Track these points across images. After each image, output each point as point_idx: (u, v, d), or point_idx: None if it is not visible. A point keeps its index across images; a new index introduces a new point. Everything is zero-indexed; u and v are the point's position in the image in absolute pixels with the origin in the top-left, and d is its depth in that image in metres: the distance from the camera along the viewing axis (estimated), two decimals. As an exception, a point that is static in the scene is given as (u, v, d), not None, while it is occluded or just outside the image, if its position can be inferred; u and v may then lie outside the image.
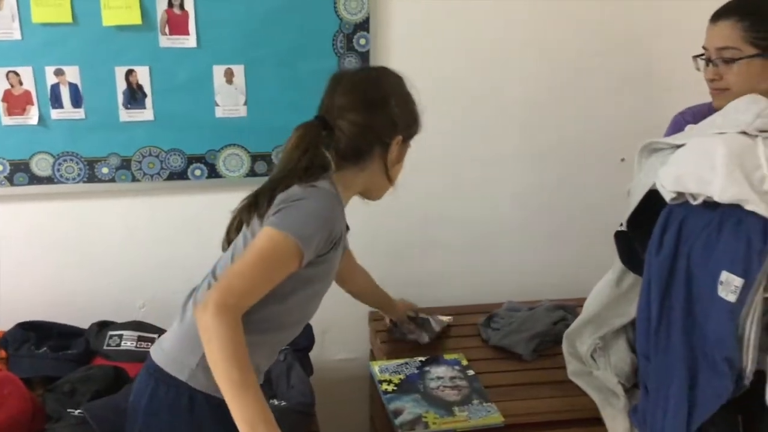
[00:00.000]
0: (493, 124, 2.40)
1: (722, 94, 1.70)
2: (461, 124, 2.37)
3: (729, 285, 1.43)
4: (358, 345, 2.47)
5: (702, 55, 1.74)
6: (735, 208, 1.43)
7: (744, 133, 1.49)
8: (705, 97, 1.79)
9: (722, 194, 1.43)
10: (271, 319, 1.49)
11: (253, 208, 1.52)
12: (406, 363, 2.05)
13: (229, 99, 2.20)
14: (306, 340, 2.16)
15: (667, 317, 1.58)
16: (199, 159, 2.24)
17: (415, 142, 1.63)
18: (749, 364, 1.45)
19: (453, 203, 2.46)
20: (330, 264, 1.55)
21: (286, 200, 1.46)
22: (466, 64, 2.32)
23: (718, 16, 1.71)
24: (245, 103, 2.21)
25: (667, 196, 1.57)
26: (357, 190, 1.62)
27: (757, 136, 1.47)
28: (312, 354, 2.20)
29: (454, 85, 2.32)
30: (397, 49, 2.24)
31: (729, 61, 1.67)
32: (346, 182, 1.57)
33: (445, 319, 2.27)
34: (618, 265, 1.83)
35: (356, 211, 1.64)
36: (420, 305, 2.26)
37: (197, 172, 2.24)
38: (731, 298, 1.43)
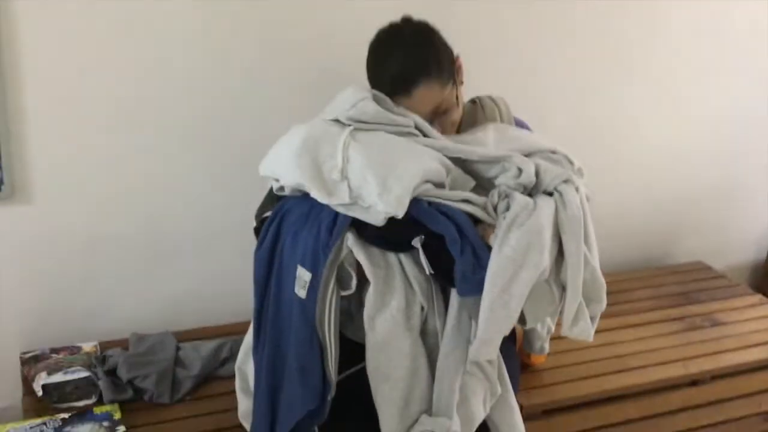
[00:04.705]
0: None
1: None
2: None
3: (300, 280, 1.32)
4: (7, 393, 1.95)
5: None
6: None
7: (338, 120, 1.40)
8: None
9: (285, 177, 1.34)
10: None
11: None
12: (44, 423, 1.66)
13: None
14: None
15: (265, 316, 1.46)
16: None
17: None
18: (333, 375, 1.31)
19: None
20: None
21: None
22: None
23: (414, 83, 1.42)
24: None
25: (274, 184, 1.45)
26: None
27: (349, 125, 1.38)
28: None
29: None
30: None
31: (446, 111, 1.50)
32: None
33: None
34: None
35: None
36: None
37: None
38: (302, 294, 1.32)
